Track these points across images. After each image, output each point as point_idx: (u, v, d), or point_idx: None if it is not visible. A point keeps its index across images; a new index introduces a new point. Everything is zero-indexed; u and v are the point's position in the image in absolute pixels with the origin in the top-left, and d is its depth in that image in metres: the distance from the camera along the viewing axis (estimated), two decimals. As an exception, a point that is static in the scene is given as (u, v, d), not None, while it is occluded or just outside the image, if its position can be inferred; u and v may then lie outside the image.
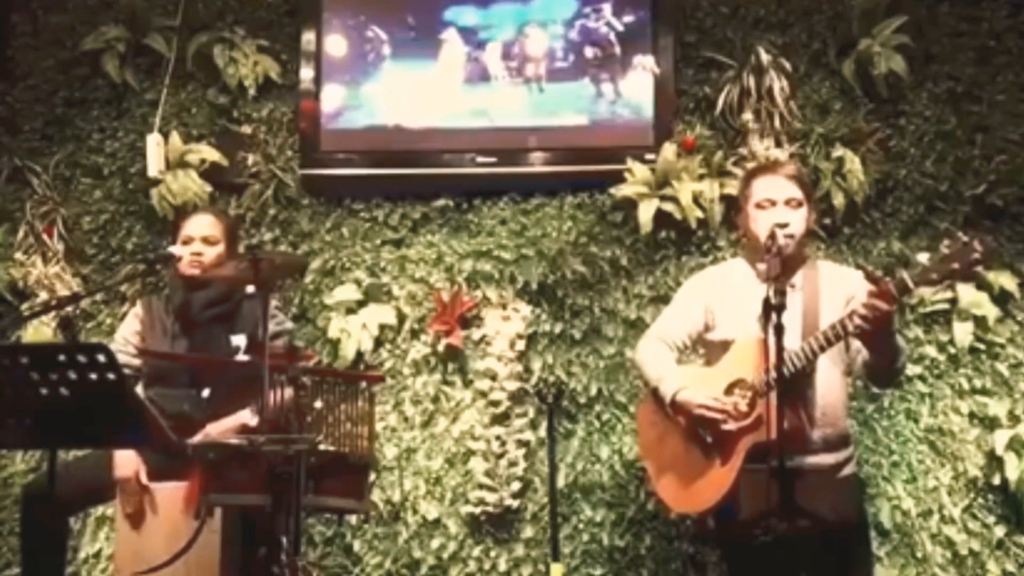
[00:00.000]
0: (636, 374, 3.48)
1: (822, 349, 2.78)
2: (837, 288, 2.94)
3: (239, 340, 3.27)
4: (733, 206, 3.66)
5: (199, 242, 3.37)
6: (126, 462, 3.10)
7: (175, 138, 4.04)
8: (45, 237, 4.08)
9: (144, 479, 3.10)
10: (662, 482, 3.10)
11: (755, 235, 2.98)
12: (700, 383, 2.97)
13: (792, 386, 2.74)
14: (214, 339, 3.29)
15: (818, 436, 2.86)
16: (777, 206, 2.96)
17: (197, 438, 3.12)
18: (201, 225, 3.41)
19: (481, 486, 3.75)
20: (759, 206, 2.99)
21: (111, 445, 3.01)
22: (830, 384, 2.91)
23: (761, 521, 2.46)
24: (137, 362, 3.31)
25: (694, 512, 3.04)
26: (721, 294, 3.08)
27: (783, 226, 2.87)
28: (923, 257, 2.69)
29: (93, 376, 2.41)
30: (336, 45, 4.06)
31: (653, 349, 3.14)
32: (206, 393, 3.21)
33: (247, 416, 3.17)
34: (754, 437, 2.81)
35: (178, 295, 3.37)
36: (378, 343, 3.91)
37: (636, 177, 3.83)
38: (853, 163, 3.78)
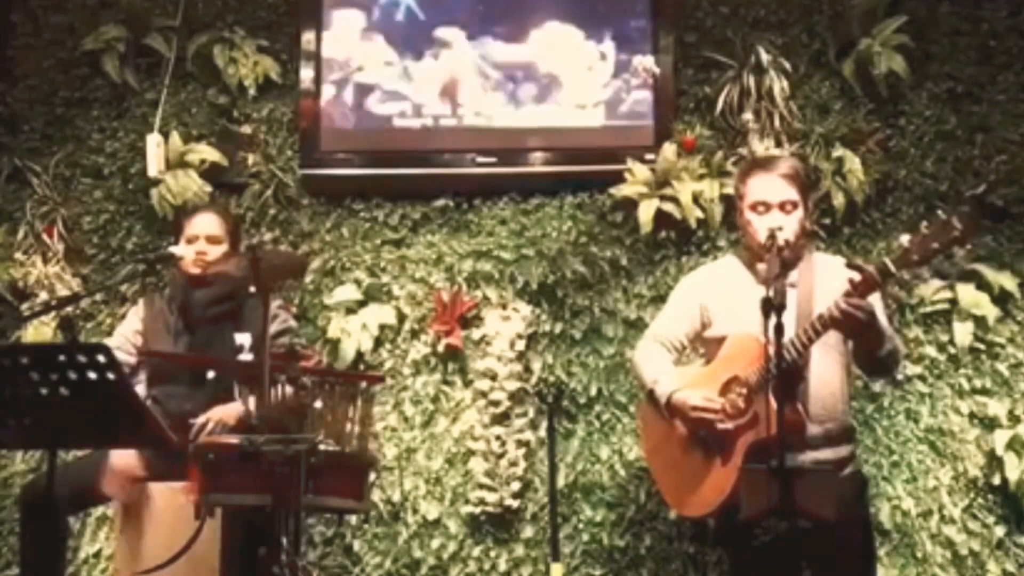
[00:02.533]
0: (634, 375, 3.48)
1: (811, 341, 2.77)
2: (831, 279, 2.91)
3: (243, 338, 3.28)
4: (732, 204, 3.66)
5: (204, 241, 3.38)
6: (123, 454, 3.09)
7: (175, 138, 4.03)
8: (45, 237, 4.07)
9: (139, 473, 3.09)
10: (666, 485, 3.10)
11: (750, 236, 2.98)
12: (695, 384, 2.96)
13: (785, 380, 2.72)
14: (218, 337, 3.30)
15: (818, 431, 2.85)
16: (771, 211, 2.94)
17: (200, 419, 3.13)
18: (206, 224, 3.42)
19: (481, 486, 3.75)
20: (753, 208, 2.97)
21: (111, 445, 3.01)
22: (825, 377, 2.89)
23: (761, 521, 2.46)
24: (132, 360, 3.31)
25: (700, 516, 3.03)
26: (716, 292, 3.08)
27: (778, 230, 2.85)
28: (904, 239, 2.67)
29: (93, 376, 2.41)
30: (336, 45, 4.06)
31: (649, 351, 3.14)
32: (211, 375, 3.21)
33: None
34: (752, 435, 2.80)
35: (180, 293, 3.38)
36: (378, 343, 3.91)
37: (636, 177, 3.83)
38: (853, 163, 3.78)
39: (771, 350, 2.47)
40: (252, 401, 3.10)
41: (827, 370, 2.90)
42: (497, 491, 3.73)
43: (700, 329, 3.11)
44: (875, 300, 2.83)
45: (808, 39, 4.00)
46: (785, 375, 2.69)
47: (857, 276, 2.68)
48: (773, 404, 2.51)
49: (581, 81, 3.98)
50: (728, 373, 2.91)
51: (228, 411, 3.16)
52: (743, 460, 2.80)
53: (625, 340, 3.81)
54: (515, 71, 4.00)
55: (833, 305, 2.72)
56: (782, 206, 2.94)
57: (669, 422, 3.00)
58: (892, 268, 2.65)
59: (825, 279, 2.94)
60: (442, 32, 4.03)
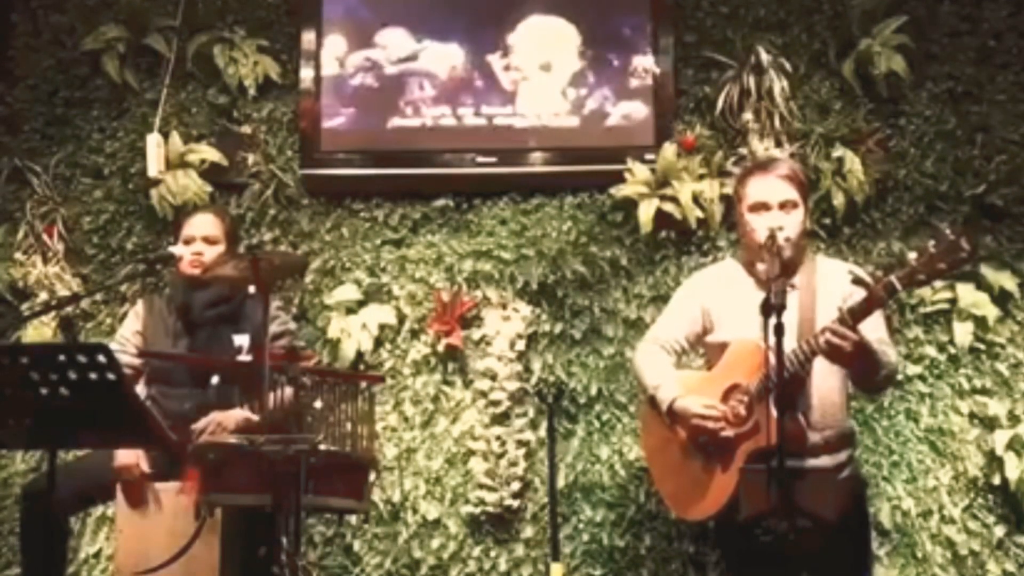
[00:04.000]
0: (635, 378, 3.48)
1: (808, 359, 2.77)
2: (834, 285, 2.91)
3: (242, 340, 3.27)
4: (732, 204, 3.66)
5: (200, 241, 3.38)
6: (128, 452, 3.09)
7: (175, 138, 4.03)
8: (45, 237, 4.07)
9: (145, 467, 3.10)
10: (666, 488, 3.10)
11: (750, 237, 2.98)
12: (697, 389, 2.96)
13: (788, 390, 2.71)
14: (217, 339, 3.30)
15: (818, 438, 2.85)
16: (772, 211, 2.93)
17: (202, 423, 3.13)
18: (202, 224, 3.42)
19: (481, 486, 3.75)
20: (752, 209, 2.97)
21: (111, 445, 3.01)
22: (827, 386, 2.89)
23: (761, 522, 2.46)
24: (137, 361, 3.31)
25: (699, 520, 3.03)
26: (717, 296, 3.07)
27: (778, 230, 2.85)
28: (912, 256, 2.67)
29: (93, 376, 2.41)
30: (336, 45, 4.06)
31: (650, 355, 3.13)
32: (215, 380, 3.21)
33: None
34: (753, 443, 2.80)
35: (179, 295, 3.38)
36: (378, 343, 3.91)
37: (636, 177, 3.83)
38: (853, 163, 3.78)
39: (772, 355, 2.46)
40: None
41: (828, 378, 2.89)
42: (497, 491, 3.73)
43: (701, 333, 3.11)
44: (875, 312, 2.81)
45: (808, 39, 4.00)
46: (788, 384, 2.70)
47: (863, 292, 2.67)
48: (774, 414, 2.52)
49: (581, 81, 3.98)
50: (729, 380, 2.91)
51: (229, 417, 3.16)
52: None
53: (625, 340, 3.81)
54: (515, 71, 3.99)
55: (820, 335, 2.71)
56: (782, 206, 2.94)
57: (670, 426, 2.99)
58: (898, 286, 2.65)
59: (827, 282, 2.94)
60: (442, 31, 4.03)
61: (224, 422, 3.13)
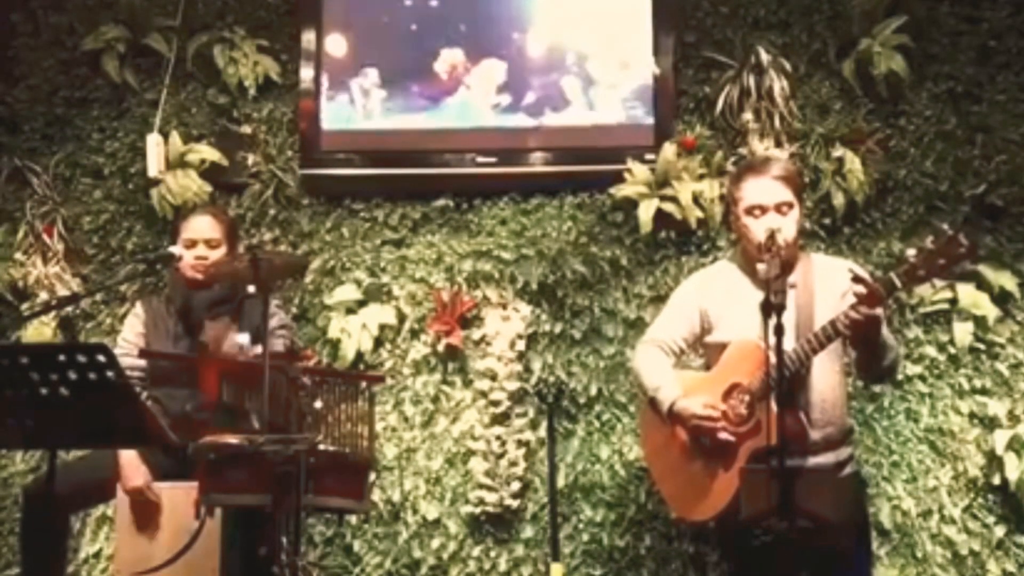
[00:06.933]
0: (634, 380, 3.48)
1: (814, 351, 2.77)
2: (831, 283, 2.92)
3: (243, 338, 3.27)
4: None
5: (202, 245, 3.37)
6: (134, 473, 3.09)
7: (175, 138, 4.03)
8: (45, 237, 4.07)
9: (151, 487, 3.10)
10: (667, 489, 3.09)
11: (747, 239, 2.98)
12: (697, 389, 2.96)
13: (789, 389, 2.71)
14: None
15: (818, 436, 2.85)
16: (768, 213, 2.93)
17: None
18: (203, 227, 3.40)
19: (481, 486, 3.75)
20: (749, 212, 2.97)
21: (111, 445, 3.01)
22: (827, 383, 2.90)
23: (761, 521, 2.46)
24: (142, 363, 3.29)
25: (701, 520, 3.04)
26: (715, 296, 3.07)
27: (776, 231, 2.85)
28: (911, 253, 2.67)
29: (93, 376, 2.41)
30: (336, 45, 4.06)
31: (649, 356, 3.13)
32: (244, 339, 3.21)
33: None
34: (754, 443, 2.80)
35: (179, 296, 3.37)
36: (378, 343, 3.91)
37: (636, 177, 3.83)
38: (853, 163, 3.78)
39: (772, 355, 2.46)
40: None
41: (827, 375, 2.90)
42: (497, 491, 3.73)
43: (699, 333, 3.10)
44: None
45: (808, 39, 4.00)
46: (789, 383, 2.69)
47: (862, 292, 2.67)
48: (775, 413, 2.52)
49: (581, 81, 3.97)
50: (730, 380, 2.91)
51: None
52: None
53: (625, 340, 3.81)
54: (515, 71, 4.00)
55: (842, 315, 2.71)
56: (778, 208, 2.94)
57: (670, 427, 2.99)
58: (898, 284, 2.66)
59: (825, 280, 2.94)
60: (442, 31, 4.02)
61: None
